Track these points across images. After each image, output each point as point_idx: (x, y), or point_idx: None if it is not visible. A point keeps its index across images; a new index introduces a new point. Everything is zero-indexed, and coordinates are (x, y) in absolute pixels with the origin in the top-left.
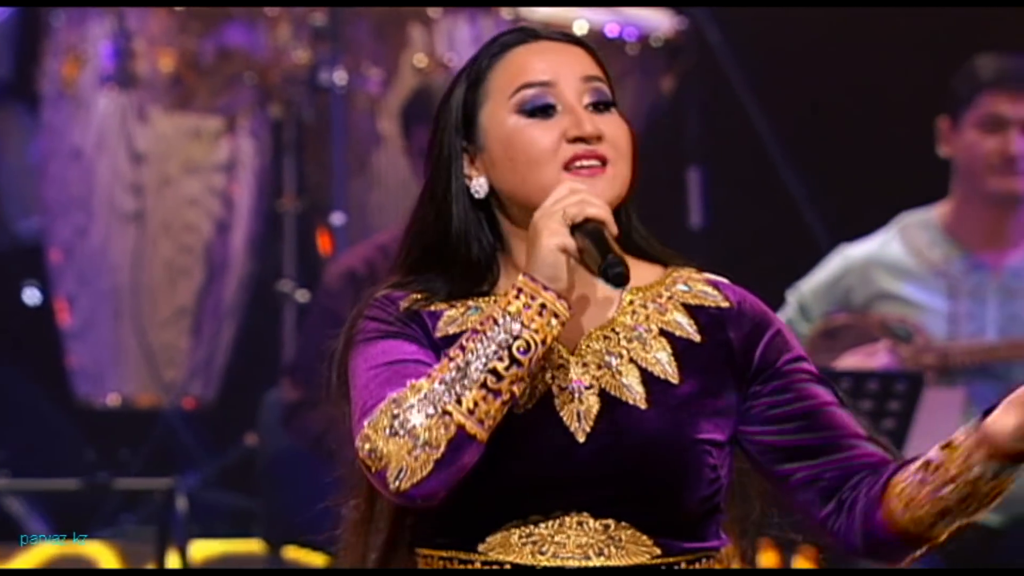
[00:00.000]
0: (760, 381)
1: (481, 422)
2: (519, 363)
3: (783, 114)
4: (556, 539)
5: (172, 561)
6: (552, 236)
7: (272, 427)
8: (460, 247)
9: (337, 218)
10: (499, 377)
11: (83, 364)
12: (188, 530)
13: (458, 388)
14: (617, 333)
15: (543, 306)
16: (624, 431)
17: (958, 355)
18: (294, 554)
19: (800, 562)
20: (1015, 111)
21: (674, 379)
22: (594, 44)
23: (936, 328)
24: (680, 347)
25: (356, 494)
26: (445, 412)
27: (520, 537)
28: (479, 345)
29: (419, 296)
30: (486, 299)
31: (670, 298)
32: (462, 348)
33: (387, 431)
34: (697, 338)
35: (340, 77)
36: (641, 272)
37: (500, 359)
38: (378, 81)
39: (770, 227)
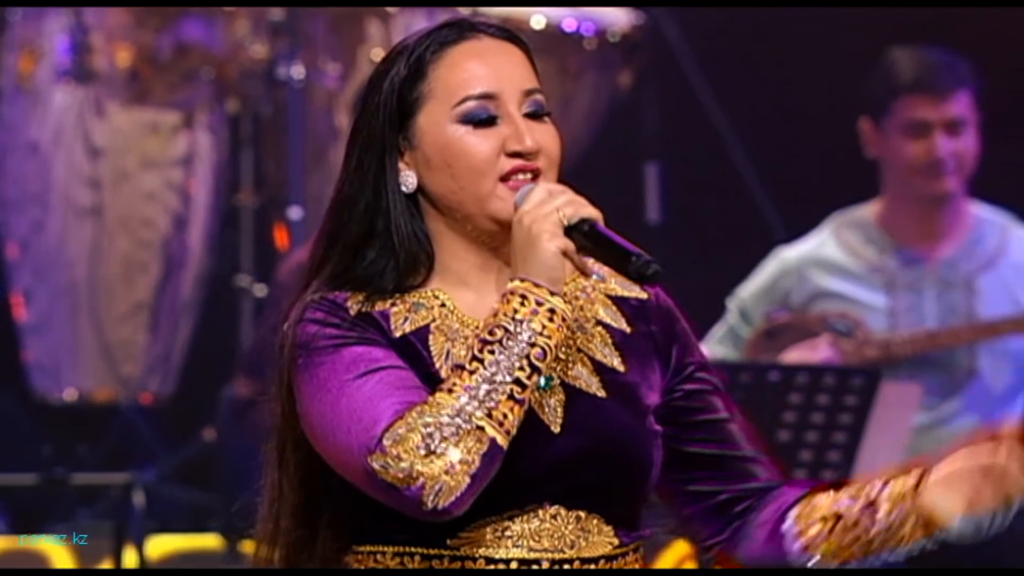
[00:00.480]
0: (676, 380)
1: (508, 432)
2: (538, 370)
3: (740, 110)
4: (530, 532)
5: (129, 557)
6: (552, 239)
7: (230, 422)
8: (393, 240)
9: (294, 212)
10: (523, 386)
11: (40, 359)
12: (145, 525)
13: (488, 402)
14: None
15: (552, 311)
16: (594, 421)
17: (900, 345)
18: (252, 549)
19: None
20: (937, 113)
21: (621, 368)
22: (552, 39)
23: (876, 323)
24: (618, 337)
25: (266, 491)
26: (478, 427)
27: (494, 531)
28: (499, 356)
29: (360, 296)
30: (420, 293)
31: (594, 289)
32: (479, 360)
33: (421, 451)
34: (627, 329)
35: (297, 72)
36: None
37: (521, 368)
38: (335, 76)
39: (727, 223)
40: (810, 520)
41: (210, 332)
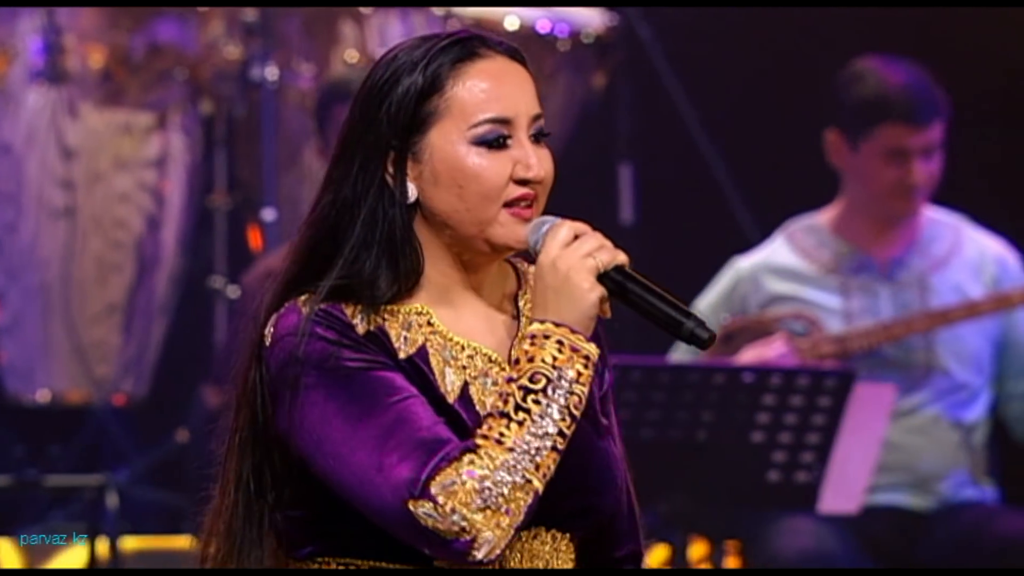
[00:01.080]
0: (602, 395)
1: (546, 479)
2: (576, 419)
3: (713, 110)
4: (514, 553)
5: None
6: (593, 290)
7: (203, 423)
8: (394, 249)
9: (268, 214)
10: (565, 437)
11: (12, 360)
12: (119, 527)
13: (537, 456)
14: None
15: (587, 358)
16: (579, 445)
17: (855, 339)
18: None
19: (731, 560)
20: (916, 142)
21: None
22: (525, 40)
23: (832, 325)
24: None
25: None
26: (527, 480)
27: None
28: (545, 407)
29: (357, 308)
30: (408, 307)
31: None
32: (526, 411)
33: (476, 504)
34: None
35: (271, 73)
36: (511, 273)
37: (563, 419)
38: (309, 77)
39: (700, 223)
40: None
41: (183, 333)
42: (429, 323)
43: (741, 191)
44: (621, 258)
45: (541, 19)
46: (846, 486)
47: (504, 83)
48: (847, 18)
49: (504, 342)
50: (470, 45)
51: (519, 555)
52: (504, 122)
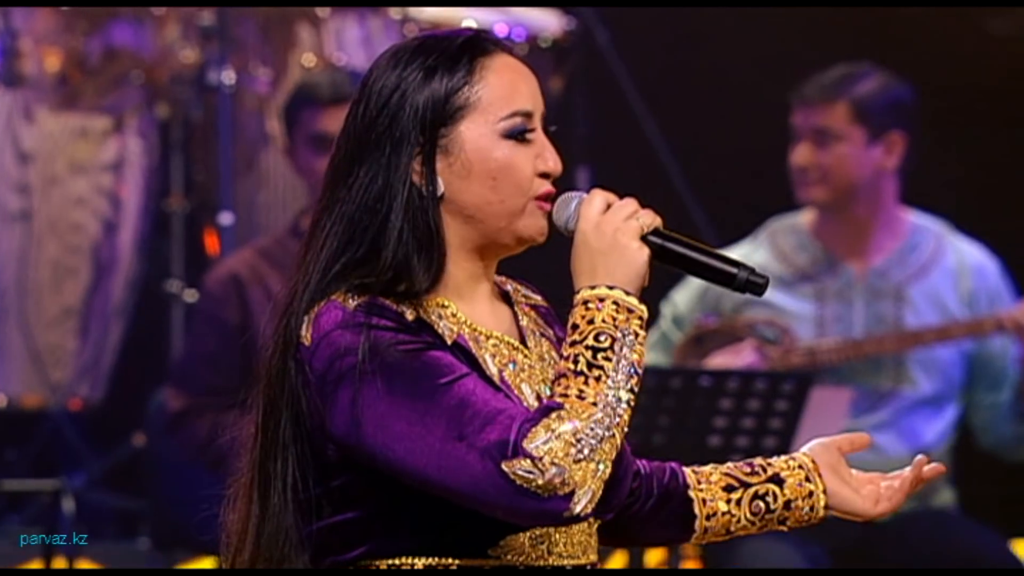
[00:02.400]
0: None
1: (624, 434)
2: (640, 377)
3: (670, 115)
4: (559, 538)
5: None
6: (642, 250)
7: (159, 428)
8: (432, 241)
9: (225, 218)
10: (635, 393)
11: None
12: (75, 531)
13: (619, 409)
14: (529, 332)
15: (641, 318)
16: None
17: (825, 353)
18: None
19: (689, 563)
20: (805, 122)
21: None
22: None
23: (804, 332)
24: (555, 347)
25: (243, 500)
26: (613, 434)
27: (531, 538)
28: (617, 364)
29: (395, 300)
30: (432, 300)
31: (516, 291)
32: (600, 368)
33: (572, 457)
34: (554, 337)
35: (228, 77)
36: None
37: (632, 376)
38: (266, 81)
39: None
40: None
41: (140, 337)
42: (453, 315)
43: (697, 194)
44: (659, 220)
45: (498, 23)
46: None
47: (522, 77)
48: (804, 21)
49: (514, 331)
50: (484, 43)
51: (563, 541)
52: (528, 115)
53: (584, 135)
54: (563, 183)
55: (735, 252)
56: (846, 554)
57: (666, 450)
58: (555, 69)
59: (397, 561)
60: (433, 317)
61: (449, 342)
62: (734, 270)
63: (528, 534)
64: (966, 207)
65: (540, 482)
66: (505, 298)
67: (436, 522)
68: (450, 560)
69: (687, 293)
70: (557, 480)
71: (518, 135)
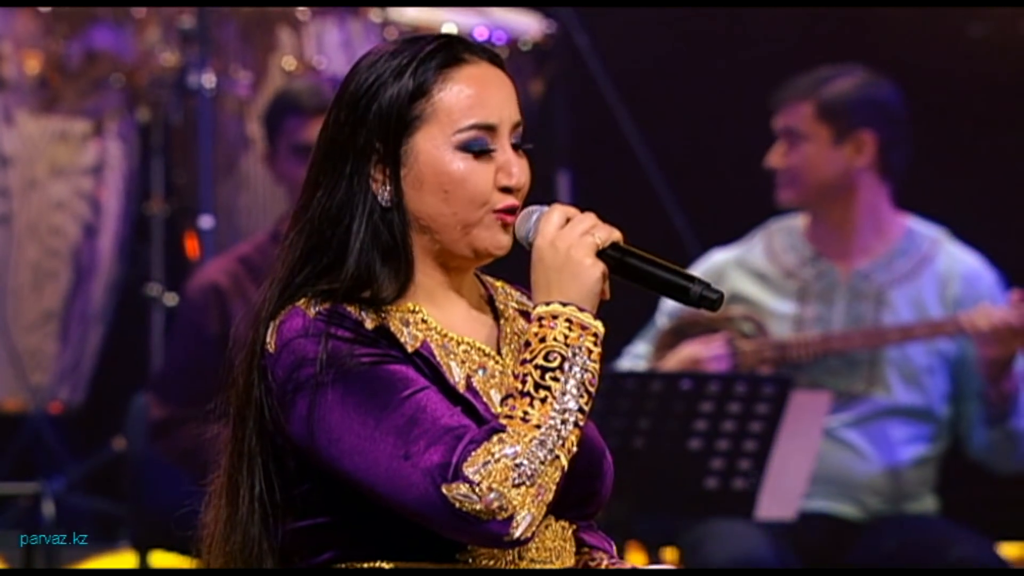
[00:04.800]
0: None
1: (570, 456)
2: (592, 396)
3: (650, 117)
4: (532, 543)
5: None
6: (595, 266)
7: (139, 431)
8: (384, 251)
9: (205, 221)
10: (584, 413)
11: None
12: (54, 534)
13: (563, 432)
14: (509, 339)
15: (595, 335)
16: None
17: (795, 348)
18: (160, 559)
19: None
20: (777, 123)
21: None
22: None
23: (784, 331)
24: None
25: (219, 503)
26: (556, 456)
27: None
28: (565, 385)
29: (359, 308)
30: (402, 307)
31: (508, 296)
32: (547, 388)
33: (511, 482)
34: None
35: (208, 80)
36: (478, 283)
37: (581, 396)
38: (247, 84)
39: (638, 228)
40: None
41: (120, 341)
42: (423, 320)
43: (677, 197)
44: (616, 235)
45: (479, 26)
46: (783, 493)
47: (489, 89)
48: (785, 23)
49: (491, 338)
50: (455, 50)
51: (534, 546)
52: (488, 128)
53: (564, 138)
54: (543, 186)
55: (734, 248)
56: (814, 552)
57: (647, 453)
58: (535, 72)
59: (366, 565)
60: (398, 324)
61: (410, 350)
62: (688, 284)
63: None
64: (953, 212)
65: (478, 507)
66: (491, 303)
67: (402, 528)
68: (418, 564)
69: None
70: (495, 505)
71: (475, 149)
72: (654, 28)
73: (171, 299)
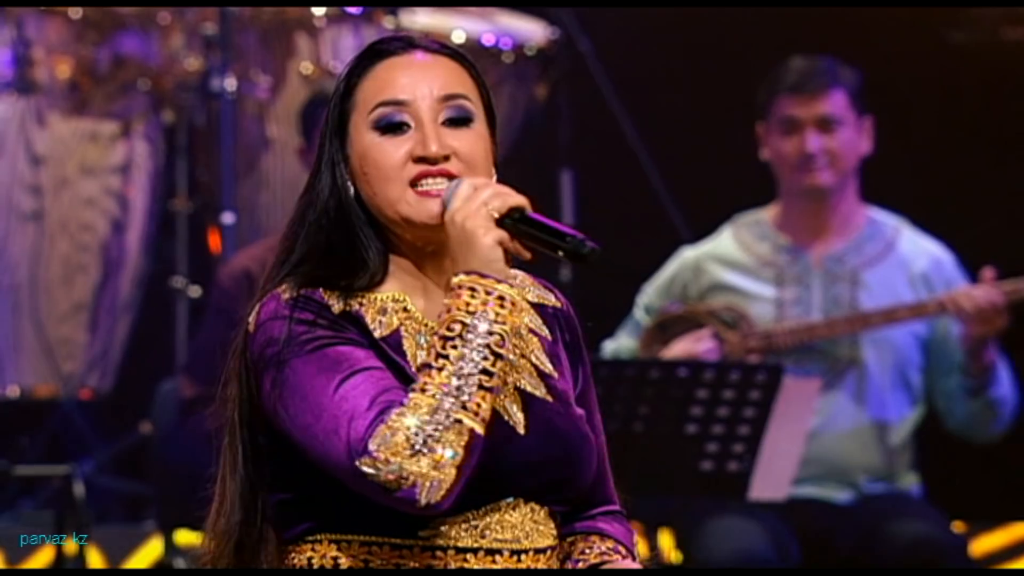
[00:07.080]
0: (577, 391)
1: (484, 420)
2: (501, 356)
3: (650, 119)
4: (493, 524)
5: (69, 544)
6: (488, 233)
7: (165, 416)
8: (350, 245)
9: (227, 217)
10: (490, 374)
11: None
12: (85, 514)
13: (462, 395)
14: None
15: (501, 298)
16: (552, 424)
17: (781, 336)
18: (185, 537)
19: (671, 555)
20: (807, 111)
21: (555, 374)
22: (471, 53)
23: (764, 313)
24: (546, 345)
25: (216, 483)
26: (457, 420)
27: (463, 522)
28: (463, 350)
29: (335, 294)
30: (381, 294)
31: (518, 295)
32: (445, 357)
33: (407, 451)
34: (550, 336)
35: (230, 84)
36: None
37: (485, 358)
38: (266, 87)
39: (638, 227)
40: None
41: (146, 331)
42: (405, 309)
43: (676, 196)
44: (514, 201)
45: (486, 33)
46: (774, 475)
47: (409, 71)
48: (782, 24)
49: None
50: (391, 46)
51: (498, 526)
52: (399, 104)
53: (567, 139)
54: (547, 185)
55: (702, 244)
56: (810, 534)
57: (646, 437)
58: (540, 77)
59: (338, 537)
60: (372, 312)
61: (377, 335)
62: (560, 242)
63: (460, 519)
64: (920, 214)
65: (382, 479)
66: None
67: (363, 502)
68: (381, 539)
69: (656, 283)
70: (392, 476)
71: (386, 126)
72: (654, 34)
73: (195, 291)
